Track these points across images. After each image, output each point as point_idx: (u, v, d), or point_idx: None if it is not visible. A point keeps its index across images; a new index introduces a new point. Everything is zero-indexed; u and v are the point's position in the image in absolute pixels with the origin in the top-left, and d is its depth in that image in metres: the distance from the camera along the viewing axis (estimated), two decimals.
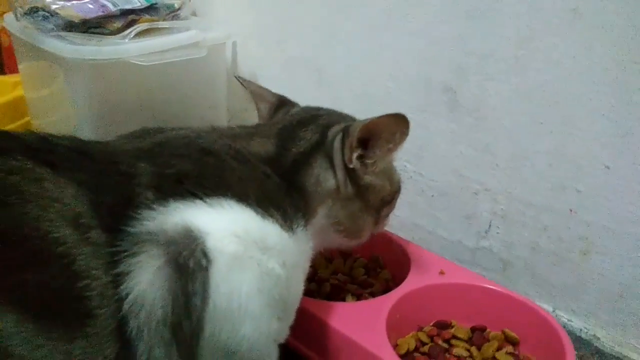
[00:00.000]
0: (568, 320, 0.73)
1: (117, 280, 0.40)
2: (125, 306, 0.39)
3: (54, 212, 0.39)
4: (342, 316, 0.60)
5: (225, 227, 0.45)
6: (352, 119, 0.63)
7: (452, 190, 0.80)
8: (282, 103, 0.68)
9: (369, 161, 0.59)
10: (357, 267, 0.77)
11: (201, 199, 0.46)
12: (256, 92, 0.70)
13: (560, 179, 0.68)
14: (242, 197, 0.48)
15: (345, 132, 0.57)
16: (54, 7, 0.87)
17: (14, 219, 0.38)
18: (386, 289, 0.70)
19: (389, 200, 0.63)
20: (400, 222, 0.86)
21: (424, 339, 0.64)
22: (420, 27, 0.76)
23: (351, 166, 0.57)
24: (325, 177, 0.57)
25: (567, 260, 0.70)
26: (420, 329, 0.66)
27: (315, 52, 0.90)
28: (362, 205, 0.60)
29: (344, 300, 0.69)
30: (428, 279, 0.66)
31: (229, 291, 0.43)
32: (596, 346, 0.70)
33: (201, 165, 0.50)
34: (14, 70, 1.42)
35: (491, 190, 0.75)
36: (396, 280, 0.71)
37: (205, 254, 0.43)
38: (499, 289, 0.65)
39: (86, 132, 0.85)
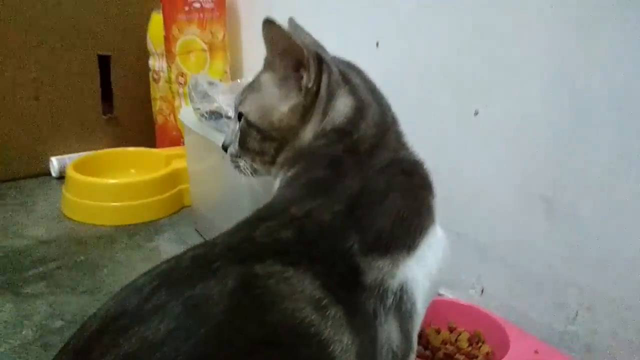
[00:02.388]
0: None
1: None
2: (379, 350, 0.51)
3: (303, 302, 0.47)
4: None
5: (425, 270, 0.57)
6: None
7: (545, 281, 0.96)
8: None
9: None
10: (461, 339, 0.93)
11: (404, 247, 0.56)
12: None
13: (639, 280, 0.83)
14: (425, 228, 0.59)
15: None
16: (230, 113, 1.13)
17: (281, 313, 0.46)
18: None
19: None
20: (498, 303, 1.03)
21: None
22: (520, 151, 0.95)
23: None
24: None
25: None
26: None
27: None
28: None
29: None
30: (525, 356, 0.82)
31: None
32: None
33: (394, 219, 0.57)
34: (164, 144, 1.72)
35: (579, 285, 0.91)
36: (496, 354, 0.87)
37: (414, 301, 0.55)
38: None
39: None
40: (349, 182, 0.59)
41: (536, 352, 0.83)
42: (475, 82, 1.01)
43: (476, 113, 1.01)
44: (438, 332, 0.95)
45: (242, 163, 0.74)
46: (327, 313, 0.47)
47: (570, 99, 0.87)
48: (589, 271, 0.89)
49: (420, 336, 0.92)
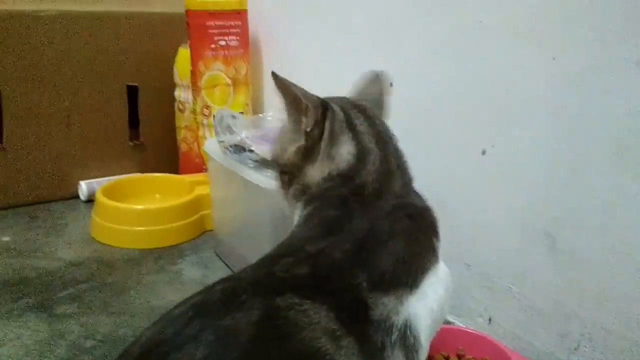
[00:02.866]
0: None
1: None
2: None
3: (319, 332, 0.51)
4: None
5: (426, 307, 0.61)
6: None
7: (548, 312, 1.01)
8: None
9: None
10: None
11: (406, 285, 0.60)
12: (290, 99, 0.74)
13: (636, 316, 0.88)
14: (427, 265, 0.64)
15: None
16: (252, 147, 1.20)
17: (300, 342, 0.50)
18: None
19: None
20: (504, 332, 1.08)
21: None
22: (525, 189, 1.01)
23: None
24: None
25: None
26: None
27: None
28: None
29: None
30: None
31: None
32: None
33: (396, 260, 0.61)
34: (187, 171, 1.80)
35: (581, 317, 0.96)
36: None
37: (417, 335, 0.59)
38: None
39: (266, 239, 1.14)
40: (356, 222, 0.64)
41: None
42: (483, 124, 1.08)
43: (484, 152, 1.08)
44: (447, 358, 1.00)
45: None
46: (341, 343, 0.52)
47: (568, 144, 0.94)
48: (589, 304, 0.94)
49: None
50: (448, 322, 1.18)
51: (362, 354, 0.53)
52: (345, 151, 0.73)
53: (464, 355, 0.99)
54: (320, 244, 0.61)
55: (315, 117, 0.73)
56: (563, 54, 0.93)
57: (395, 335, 0.57)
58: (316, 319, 0.52)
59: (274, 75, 0.72)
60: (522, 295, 1.06)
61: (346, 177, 0.72)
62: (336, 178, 0.72)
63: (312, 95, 0.74)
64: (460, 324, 1.17)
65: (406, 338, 0.57)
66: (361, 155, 0.73)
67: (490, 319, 1.13)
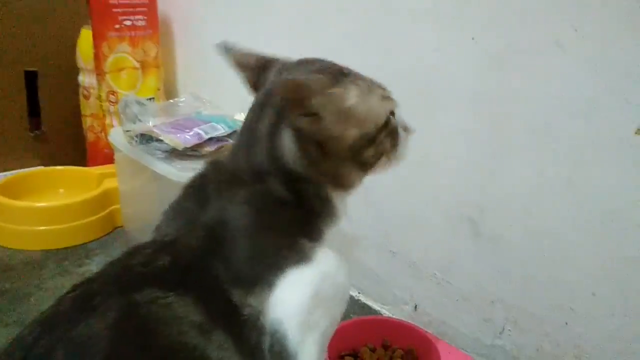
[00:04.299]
0: None
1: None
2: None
3: (187, 326, 0.48)
4: None
5: (290, 312, 0.53)
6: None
7: (473, 298, 1.00)
8: (266, 65, 0.63)
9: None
10: (395, 357, 0.96)
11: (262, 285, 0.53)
12: (240, 62, 0.64)
13: (558, 298, 0.88)
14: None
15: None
16: (161, 136, 1.11)
17: (167, 338, 0.48)
18: None
19: (365, 143, 0.59)
20: (430, 319, 1.07)
21: None
22: (449, 176, 0.99)
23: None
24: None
25: None
26: None
27: None
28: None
29: None
30: None
31: None
32: None
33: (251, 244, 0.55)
34: (95, 162, 1.68)
35: (505, 302, 0.95)
36: None
37: (285, 346, 0.52)
38: None
39: None
40: (209, 211, 0.57)
41: None
42: (405, 110, 1.04)
43: None
44: (373, 350, 0.97)
45: None
46: (211, 337, 0.49)
47: (490, 128, 0.92)
48: (514, 289, 0.94)
49: (355, 356, 0.94)
50: (375, 312, 1.16)
51: (237, 349, 0.50)
52: None
53: (389, 346, 0.97)
54: (176, 233, 0.57)
55: None
56: (483, 34, 0.90)
57: (266, 338, 0.52)
58: (183, 313, 0.49)
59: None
60: (448, 282, 1.04)
61: (214, 164, 0.64)
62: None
63: None
64: (387, 312, 1.15)
65: (274, 345, 0.52)
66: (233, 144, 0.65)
67: (416, 307, 1.11)
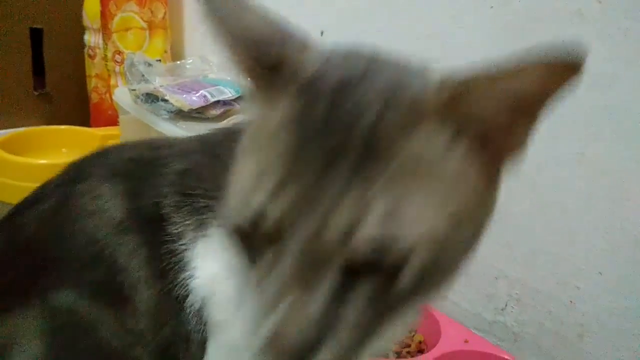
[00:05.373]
0: None
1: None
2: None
3: (104, 221, 0.46)
4: None
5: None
6: None
7: (477, 273, 0.98)
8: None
9: None
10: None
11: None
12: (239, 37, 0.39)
13: (564, 276, 0.86)
14: None
15: None
16: (167, 96, 1.09)
17: (81, 230, 0.46)
18: (419, 350, 0.89)
19: None
20: None
21: None
22: None
23: None
24: None
25: (566, 340, 0.88)
26: None
27: None
28: None
29: (387, 356, 0.88)
30: (456, 345, 0.85)
31: None
32: None
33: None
34: (99, 124, 1.66)
35: (509, 277, 0.94)
36: (427, 343, 0.90)
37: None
38: None
39: None
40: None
41: (466, 341, 0.85)
42: None
43: None
44: None
45: None
46: (125, 238, 0.46)
47: None
48: (517, 264, 0.92)
49: None
50: None
51: (149, 263, 0.45)
52: None
53: None
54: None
55: None
56: (501, 2, 0.87)
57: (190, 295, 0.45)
58: (106, 207, 0.47)
59: None
60: None
61: None
62: None
63: None
64: None
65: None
66: None
67: None
